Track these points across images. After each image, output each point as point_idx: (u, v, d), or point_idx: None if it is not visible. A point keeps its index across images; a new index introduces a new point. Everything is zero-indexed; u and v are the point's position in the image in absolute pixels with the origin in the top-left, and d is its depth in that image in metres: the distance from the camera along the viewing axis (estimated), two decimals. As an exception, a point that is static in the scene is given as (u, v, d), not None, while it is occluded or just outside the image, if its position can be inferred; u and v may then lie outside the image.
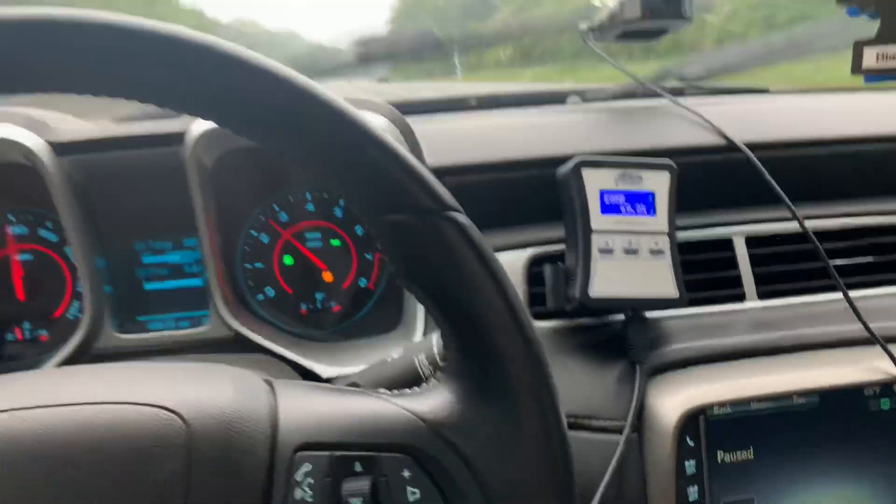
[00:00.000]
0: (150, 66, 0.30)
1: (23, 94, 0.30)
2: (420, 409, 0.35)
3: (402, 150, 0.33)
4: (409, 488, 0.34)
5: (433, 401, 0.36)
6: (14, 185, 0.70)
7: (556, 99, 1.03)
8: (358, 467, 0.34)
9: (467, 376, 0.36)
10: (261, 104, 0.31)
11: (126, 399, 0.33)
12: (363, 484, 0.33)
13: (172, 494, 0.31)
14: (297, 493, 0.33)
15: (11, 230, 0.72)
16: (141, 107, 0.49)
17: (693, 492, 0.59)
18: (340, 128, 0.32)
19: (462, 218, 0.34)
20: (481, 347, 0.34)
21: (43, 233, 0.73)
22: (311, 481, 0.33)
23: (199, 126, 0.65)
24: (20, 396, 0.33)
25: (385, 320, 0.75)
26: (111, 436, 0.31)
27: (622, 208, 0.65)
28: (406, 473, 0.34)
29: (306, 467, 0.33)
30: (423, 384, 0.41)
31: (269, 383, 0.37)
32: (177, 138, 0.65)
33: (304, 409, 0.35)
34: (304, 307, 0.76)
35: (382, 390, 0.39)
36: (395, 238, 0.34)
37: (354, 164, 0.33)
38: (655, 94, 0.89)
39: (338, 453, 0.34)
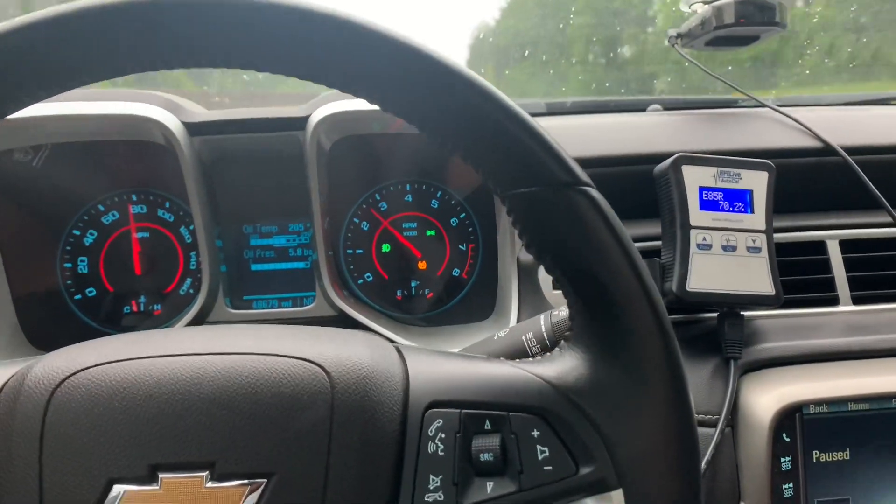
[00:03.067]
0: (338, 52, 0.32)
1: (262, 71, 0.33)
2: (547, 373, 0.36)
3: (539, 126, 0.34)
4: (539, 447, 0.35)
5: (560, 366, 0.36)
6: (139, 165, 0.76)
7: (636, 107, 1.04)
8: (488, 425, 0.35)
9: (595, 344, 0.36)
10: (413, 85, 0.33)
11: (274, 351, 0.35)
12: (493, 440, 0.35)
13: (317, 439, 0.33)
14: (430, 447, 0.34)
15: (132, 209, 0.77)
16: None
17: (788, 488, 0.59)
18: (482, 105, 0.33)
19: (594, 191, 0.34)
20: (610, 316, 0.35)
21: (160, 212, 0.78)
22: (443, 436, 0.35)
23: (321, 111, 0.69)
24: (178, 344, 0.36)
25: (478, 309, 0.77)
26: (263, 383, 0.34)
27: (720, 205, 0.66)
28: (535, 433, 0.35)
29: (438, 423, 0.35)
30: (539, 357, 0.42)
31: (397, 348, 0.39)
32: (300, 122, 0.69)
33: (432, 370, 0.37)
34: (399, 293, 0.79)
35: (496, 341, 0.40)
36: (529, 210, 0.35)
37: (493, 138, 0.34)
38: (740, 103, 0.90)
39: (468, 411, 0.35)
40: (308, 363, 0.35)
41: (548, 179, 0.34)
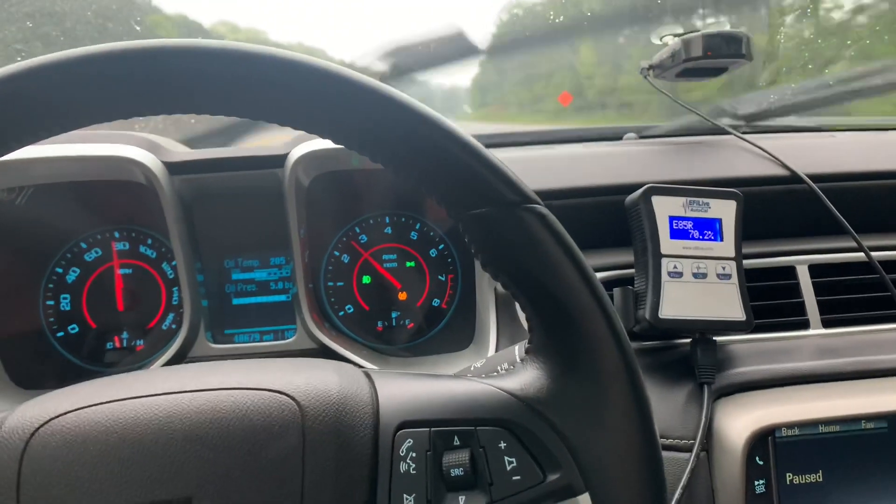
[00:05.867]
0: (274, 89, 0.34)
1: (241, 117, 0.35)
2: (511, 386, 0.38)
3: (485, 149, 0.35)
4: (506, 458, 0.36)
5: (523, 379, 0.38)
6: (121, 203, 0.77)
7: (612, 136, 1.06)
8: (456, 441, 0.36)
9: (554, 355, 0.37)
10: (363, 116, 0.35)
11: (245, 385, 0.36)
12: (463, 455, 0.36)
13: (291, 467, 0.34)
14: (402, 467, 0.35)
15: (115, 246, 0.78)
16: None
17: (763, 511, 0.59)
18: (429, 133, 0.35)
19: (542, 209, 0.36)
20: (566, 328, 0.36)
21: (143, 249, 0.79)
22: (414, 454, 0.36)
23: (299, 149, 0.70)
24: (150, 386, 0.37)
25: (458, 339, 0.78)
26: (234, 416, 0.35)
27: (690, 234, 0.68)
28: (502, 444, 0.36)
29: (408, 443, 0.36)
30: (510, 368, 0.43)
31: (366, 373, 0.40)
32: (279, 160, 0.71)
33: (401, 392, 0.38)
34: (380, 324, 0.80)
35: (469, 374, 0.41)
36: (482, 230, 0.36)
37: (443, 164, 0.35)
38: (711, 131, 0.92)
39: (437, 429, 0.36)
40: (278, 394, 0.36)
41: (497, 200, 0.35)
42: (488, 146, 0.36)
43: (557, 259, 0.36)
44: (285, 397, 0.36)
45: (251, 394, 0.36)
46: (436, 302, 0.81)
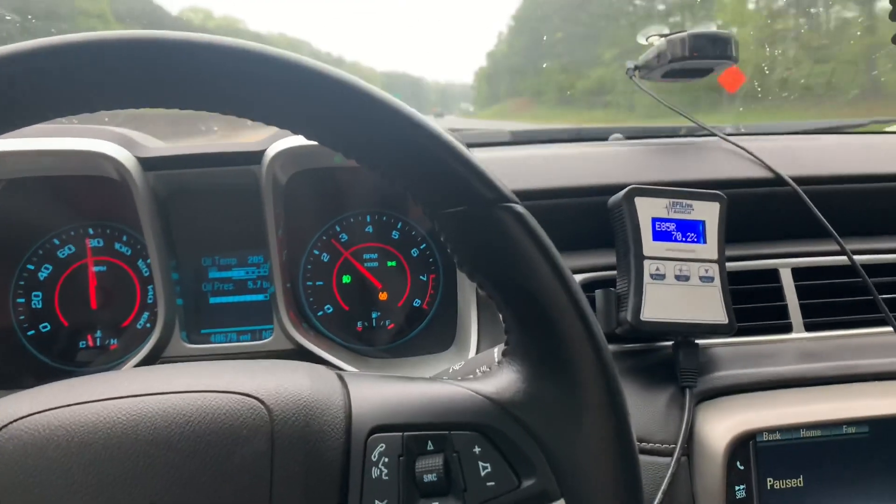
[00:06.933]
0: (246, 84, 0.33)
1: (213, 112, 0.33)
2: (486, 389, 0.37)
3: (462, 147, 0.34)
4: (481, 463, 0.35)
5: (498, 381, 0.37)
6: (96, 198, 0.75)
7: (598, 136, 1.05)
8: (430, 446, 0.35)
9: (530, 357, 0.37)
10: (337, 112, 0.33)
11: (212, 388, 0.35)
12: (436, 461, 0.35)
13: (258, 473, 0.33)
14: (374, 472, 0.35)
15: (90, 242, 0.76)
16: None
17: (743, 516, 0.59)
18: (405, 129, 0.34)
19: (519, 207, 0.35)
20: (542, 328, 0.36)
21: (118, 246, 0.77)
22: (386, 460, 0.35)
23: (276, 146, 0.69)
24: (114, 388, 0.35)
25: (439, 340, 0.77)
26: (200, 420, 0.34)
27: (673, 236, 0.67)
28: (477, 449, 0.35)
29: (381, 447, 0.35)
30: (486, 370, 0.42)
31: (339, 376, 0.39)
32: (256, 157, 0.69)
33: (374, 395, 0.37)
34: (359, 324, 0.79)
35: (446, 377, 0.40)
36: (458, 229, 0.35)
37: (419, 161, 0.34)
38: (696, 133, 0.92)
39: (410, 433, 0.35)
40: (246, 397, 0.35)
41: (473, 198, 0.34)
42: (472, 146, 0.35)
43: (534, 259, 0.35)
44: (254, 400, 0.35)
45: (219, 397, 0.35)
46: (417, 302, 0.80)
